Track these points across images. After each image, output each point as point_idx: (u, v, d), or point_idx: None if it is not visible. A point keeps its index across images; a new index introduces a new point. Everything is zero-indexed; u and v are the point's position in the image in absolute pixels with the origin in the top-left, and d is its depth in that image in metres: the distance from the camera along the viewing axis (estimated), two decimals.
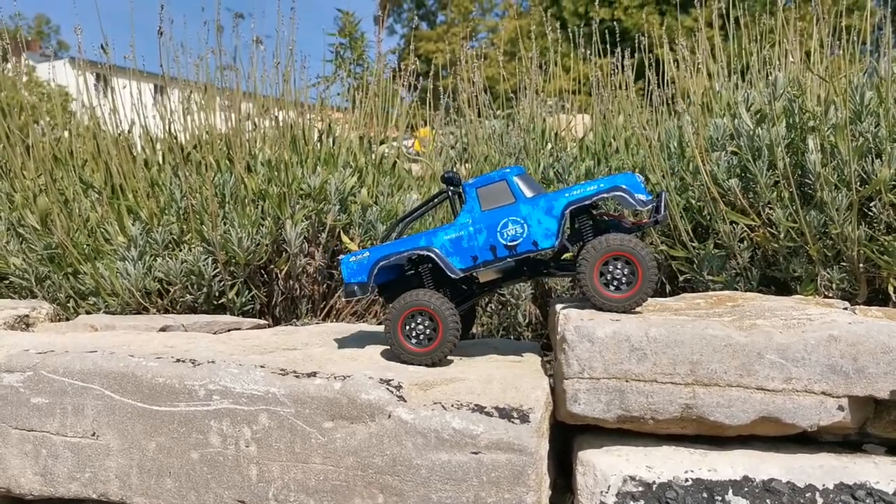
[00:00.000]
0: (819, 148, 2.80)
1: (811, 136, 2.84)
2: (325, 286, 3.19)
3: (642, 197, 1.85)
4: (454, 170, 4.00)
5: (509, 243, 1.86)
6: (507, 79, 4.62)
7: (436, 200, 2.08)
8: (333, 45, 6.26)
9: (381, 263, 1.90)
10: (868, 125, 2.72)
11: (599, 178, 2.10)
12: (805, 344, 1.70)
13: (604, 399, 1.74)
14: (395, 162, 3.30)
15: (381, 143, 3.38)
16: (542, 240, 1.85)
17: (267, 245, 2.81)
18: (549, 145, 3.93)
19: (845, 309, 2.23)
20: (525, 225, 1.85)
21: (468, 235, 1.87)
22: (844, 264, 2.77)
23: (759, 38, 3.38)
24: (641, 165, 3.43)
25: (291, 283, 2.93)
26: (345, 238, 3.11)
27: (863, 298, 2.76)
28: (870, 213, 2.73)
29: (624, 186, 1.84)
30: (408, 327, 1.89)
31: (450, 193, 1.97)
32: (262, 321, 2.63)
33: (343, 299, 1.91)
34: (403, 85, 4.16)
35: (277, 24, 3.33)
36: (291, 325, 2.87)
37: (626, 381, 1.73)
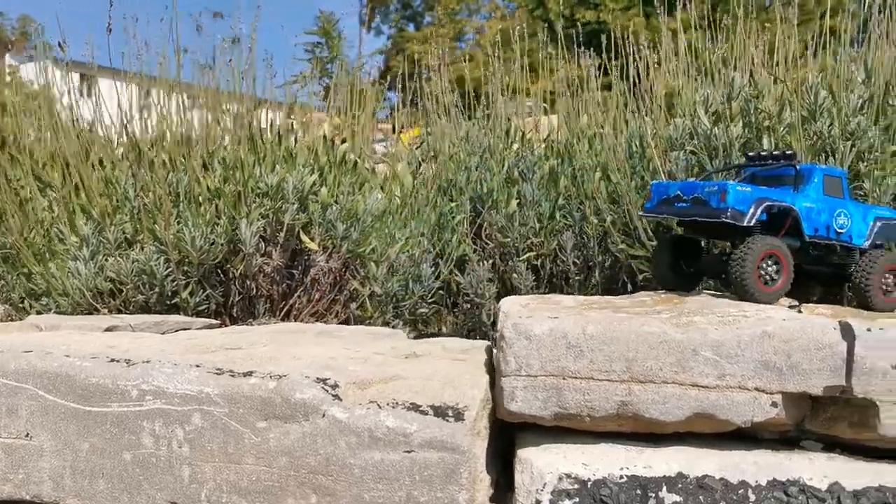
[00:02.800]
0: (775, 147, 2.82)
1: (766, 135, 2.86)
2: (284, 285, 3.18)
3: None
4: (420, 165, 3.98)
5: (839, 229, 2.17)
6: (491, 79, 4.62)
7: (768, 164, 2.27)
8: (309, 45, 6.23)
9: (765, 203, 2.06)
10: (822, 124, 2.74)
11: (889, 207, 2.50)
12: (739, 340, 1.71)
13: (541, 397, 1.73)
14: (356, 161, 3.28)
15: (343, 142, 3.37)
16: (855, 237, 2.20)
17: (222, 244, 2.80)
18: (515, 145, 3.94)
19: (792, 307, 2.25)
20: (850, 220, 2.19)
21: (817, 210, 2.14)
22: None
23: (720, 36, 3.38)
24: (604, 164, 3.44)
25: (248, 282, 2.91)
26: (304, 237, 3.09)
27: (817, 296, 2.77)
28: None
29: None
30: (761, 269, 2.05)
31: (792, 167, 2.20)
32: (213, 321, 2.61)
33: (726, 219, 2.04)
34: (377, 83, 4.16)
35: (251, 26, 3.32)
36: (246, 324, 2.85)
37: (563, 379, 1.73)
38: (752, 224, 2.02)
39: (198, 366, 1.78)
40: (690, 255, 2.34)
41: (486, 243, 3.67)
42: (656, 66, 3.57)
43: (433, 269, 3.36)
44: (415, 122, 4.55)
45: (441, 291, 3.51)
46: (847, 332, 1.71)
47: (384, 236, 3.16)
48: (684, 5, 3.52)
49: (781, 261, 2.05)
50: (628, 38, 3.58)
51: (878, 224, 2.24)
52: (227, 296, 2.99)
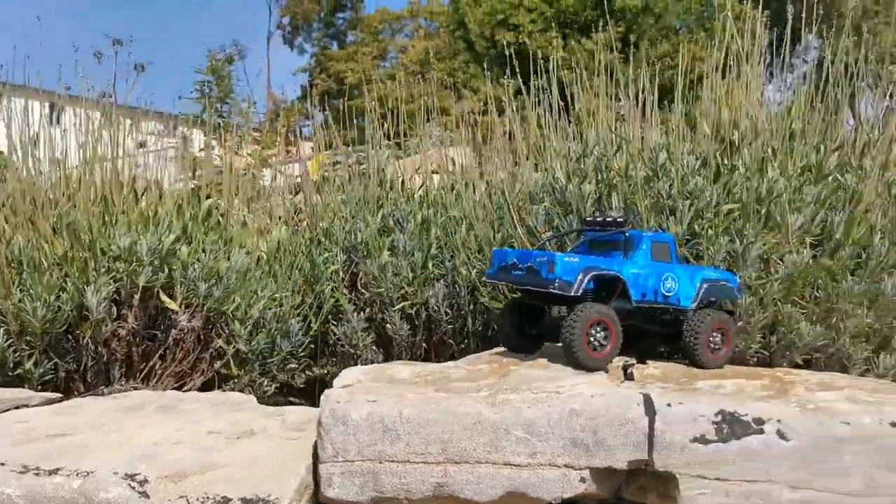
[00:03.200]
0: (622, 204, 2.94)
1: (615, 192, 2.98)
2: (144, 346, 3.10)
3: (735, 294, 2.46)
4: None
5: (666, 293, 2.27)
6: (413, 101, 4.61)
7: (600, 232, 2.40)
8: (198, 83, 6.13)
9: (591, 272, 2.14)
10: (663, 184, 2.88)
11: (716, 268, 2.59)
12: (549, 418, 1.77)
13: (357, 482, 1.75)
14: (220, 219, 3.24)
15: (208, 197, 3.33)
16: (683, 299, 2.31)
17: (69, 311, 2.71)
18: (391, 193, 3.97)
19: (627, 366, 2.34)
20: (678, 283, 2.29)
21: (644, 275, 2.24)
22: None
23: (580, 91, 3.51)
24: (471, 215, 3.51)
25: (99, 348, 2.83)
26: (164, 297, 3.03)
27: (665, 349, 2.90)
28: None
29: (731, 281, 2.43)
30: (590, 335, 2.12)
31: (622, 233, 2.32)
32: (54, 395, 2.52)
33: (554, 290, 2.10)
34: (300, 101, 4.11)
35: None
36: (96, 394, 2.77)
37: (380, 463, 1.75)
38: (578, 294, 2.10)
39: (3, 464, 1.72)
40: (534, 317, 2.41)
41: (363, 293, 3.68)
42: (522, 120, 3.67)
43: (304, 322, 3.35)
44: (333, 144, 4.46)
45: (312, 345, 3.50)
46: (649, 408, 1.80)
47: (248, 293, 3.13)
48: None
49: (609, 327, 2.14)
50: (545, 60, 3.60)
51: (705, 285, 2.36)
52: (80, 362, 2.90)
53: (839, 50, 3.14)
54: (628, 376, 2.27)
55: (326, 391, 1.86)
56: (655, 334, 2.49)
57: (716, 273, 2.44)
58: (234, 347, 3.09)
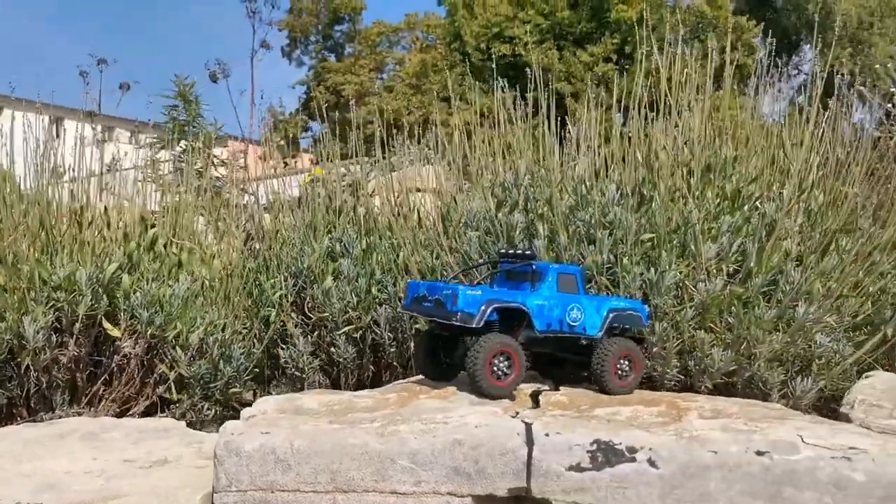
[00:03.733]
0: (546, 234, 3.05)
1: (540, 222, 3.09)
2: (88, 372, 3.20)
3: (644, 322, 2.57)
4: None
5: (571, 323, 2.38)
6: (411, 112, 4.68)
7: (509, 264, 2.51)
8: (166, 108, 6.24)
9: (493, 304, 2.23)
10: (586, 214, 2.98)
11: (625, 297, 2.73)
12: (433, 448, 1.87)
13: None
14: (164, 247, 3.35)
15: (153, 226, 3.43)
16: (589, 328, 2.42)
17: (8, 339, 2.81)
18: (341, 218, 4.07)
19: (535, 394, 2.44)
20: (583, 313, 2.40)
21: (549, 306, 2.34)
22: None
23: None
24: (413, 240, 3.62)
25: (40, 376, 2.92)
26: (107, 325, 3.13)
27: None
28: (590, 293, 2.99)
29: (639, 310, 2.54)
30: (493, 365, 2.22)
31: (530, 265, 2.43)
32: None
33: (456, 323, 2.22)
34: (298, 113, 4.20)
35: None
36: (35, 420, 2.86)
37: (272, 492, 1.84)
38: (480, 325, 2.21)
39: None
40: (448, 347, 2.51)
41: (311, 317, 3.77)
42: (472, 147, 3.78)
43: (248, 346, 3.45)
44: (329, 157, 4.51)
45: (259, 369, 3.59)
46: (528, 438, 1.90)
47: (189, 320, 3.23)
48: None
49: (513, 357, 2.25)
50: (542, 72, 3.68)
51: (612, 315, 2.47)
52: (23, 388, 2.99)
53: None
54: (536, 404, 2.38)
55: (225, 423, 1.96)
56: (569, 361, 2.60)
57: (624, 303, 2.55)
58: (176, 373, 3.19)
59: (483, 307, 2.22)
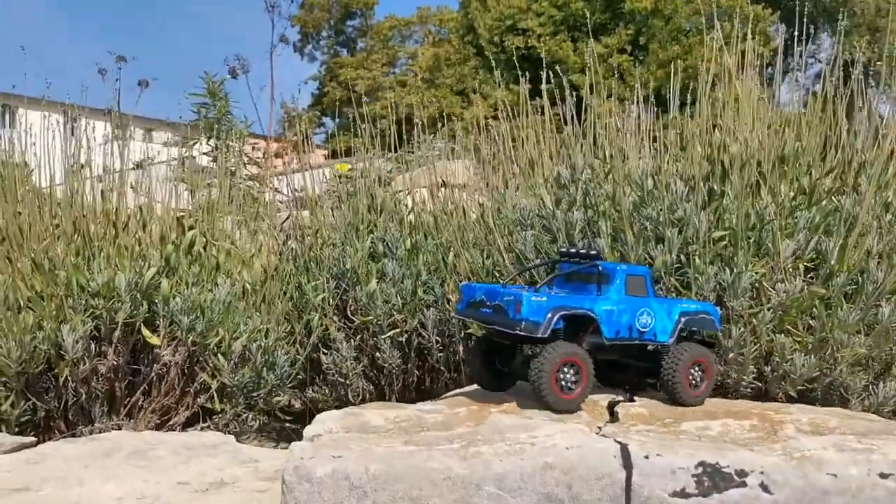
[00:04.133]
0: (609, 232, 2.87)
1: (602, 220, 2.91)
2: (127, 381, 3.06)
3: (716, 325, 2.38)
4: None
5: (641, 329, 2.19)
6: (426, 107, 4.55)
7: (573, 266, 2.33)
8: (195, 105, 6.11)
9: (559, 313, 2.05)
10: (652, 211, 2.80)
11: (698, 300, 2.52)
12: (522, 473, 1.70)
13: None
14: (202, 249, 3.20)
15: (190, 228, 3.28)
16: (660, 334, 2.23)
17: (46, 349, 2.67)
18: (382, 216, 3.91)
19: (613, 404, 2.27)
20: (654, 318, 2.21)
21: (618, 312, 2.15)
22: None
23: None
24: (459, 241, 3.45)
25: (78, 387, 2.78)
26: (146, 332, 2.99)
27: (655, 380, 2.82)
28: (658, 296, 2.80)
29: (712, 313, 2.36)
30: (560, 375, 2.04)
31: (596, 266, 2.25)
32: (27, 440, 2.48)
33: (521, 332, 2.04)
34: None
35: None
36: (74, 434, 2.73)
37: None
38: (546, 335, 2.01)
39: None
40: (505, 355, 2.32)
41: (353, 320, 3.62)
42: (513, 140, 3.61)
43: (292, 351, 3.30)
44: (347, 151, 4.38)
45: (301, 375, 3.44)
46: (626, 460, 1.73)
47: (232, 326, 3.08)
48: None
49: (580, 367, 2.06)
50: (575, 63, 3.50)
51: (684, 319, 2.28)
52: (60, 401, 2.85)
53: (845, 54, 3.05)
54: (613, 417, 2.21)
55: (292, 445, 1.80)
56: (636, 369, 2.41)
57: (695, 305, 2.36)
58: (218, 381, 3.05)
59: (549, 315, 2.03)
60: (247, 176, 5.35)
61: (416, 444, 1.80)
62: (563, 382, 2.02)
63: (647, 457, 1.72)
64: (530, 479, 1.69)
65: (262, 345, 3.13)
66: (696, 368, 2.25)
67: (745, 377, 2.64)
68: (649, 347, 2.34)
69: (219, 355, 3.03)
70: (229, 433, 3.04)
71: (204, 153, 5.44)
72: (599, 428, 2.00)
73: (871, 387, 2.72)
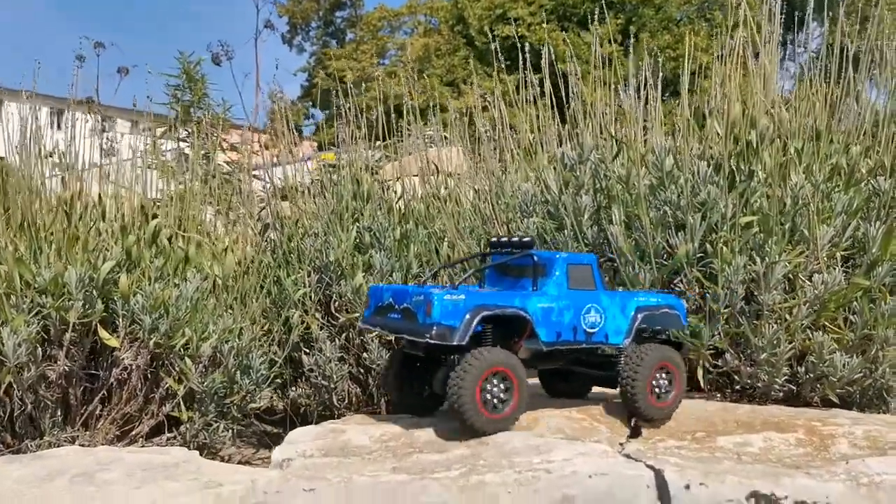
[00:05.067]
0: (622, 219, 2.56)
1: (615, 204, 2.60)
2: (81, 389, 2.73)
3: (683, 322, 2.03)
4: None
5: (589, 329, 1.83)
6: (415, 96, 4.27)
7: (504, 258, 1.95)
8: (170, 88, 5.75)
9: (481, 314, 1.67)
10: (671, 194, 2.49)
11: (656, 292, 2.19)
12: None
13: None
14: (168, 241, 2.86)
15: (155, 216, 2.95)
16: (612, 335, 1.87)
17: None
18: (369, 205, 3.59)
19: (632, 437, 1.96)
20: (604, 316, 1.85)
21: (557, 310, 1.79)
22: None
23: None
24: (453, 230, 3.13)
25: (23, 395, 2.45)
26: (103, 333, 2.66)
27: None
28: (676, 290, 2.50)
29: (676, 307, 2.01)
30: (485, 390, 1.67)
31: (530, 257, 1.86)
32: None
33: (431, 340, 1.63)
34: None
35: None
36: (19, 449, 2.40)
37: None
38: (464, 342, 1.63)
39: None
40: (428, 370, 1.90)
41: (338, 317, 3.30)
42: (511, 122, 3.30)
43: (269, 353, 2.97)
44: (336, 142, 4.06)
45: (283, 375, 3.12)
46: (663, 492, 1.42)
47: (201, 326, 2.75)
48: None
49: (512, 380, 1.68)
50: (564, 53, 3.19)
51: (641, 316, 1.92)
52: (6, 411, 2.52)
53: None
54: (634, 431, 1.90)
55: (255, 476, 1.49)
56: (593, 378, 2.05)
57: (655, 298, 1.99)
58: (185, 387, 2.72)
59: (468, 316, 1.65)
60: (225, 162, 5.01)
61: (406, 471, 1.49)
62: (490, 399, 1.65)
63: (688, 486, 1.42)
64: None
65: (235, 346, 2.81)
66: (662, 375, 1.89)
67: (777, 380, 2.34)
68: (602, 351, 1.98)
69: (186, 358, 2.70)
70: (198, 444, 2.73)
71: (179, 139, 5.10)
72: (622, 445, 1.70)
73: None
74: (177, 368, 2.75)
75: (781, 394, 2.40)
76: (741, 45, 2.78)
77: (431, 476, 1.46)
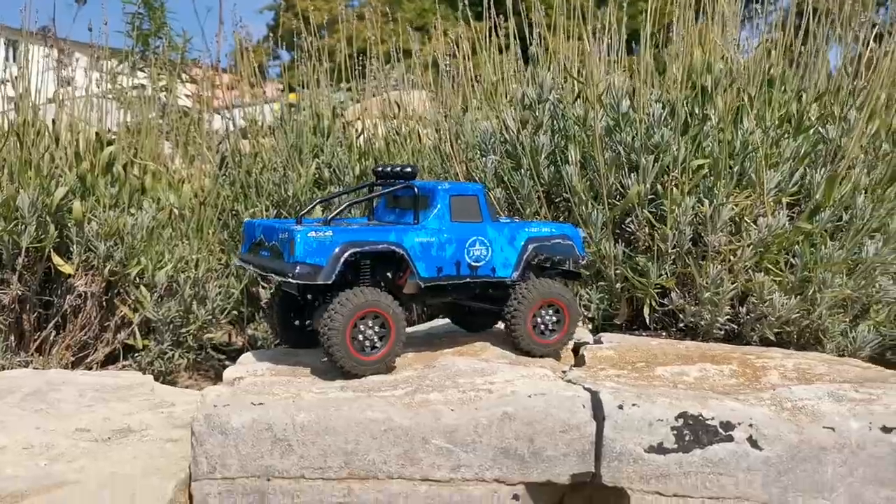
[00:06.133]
0: (578, 159, 2.60)
1: (571, 145, 2.63)
2: (35, 315, 2.72)
3: (579, 252, 1.96)
4: None
5: (473, 263, 1.77)
6: (383, 41, 4.19)
7: (379, 191, 1.88)
8: (129, 16, 5.57)
9: (349, 251, 1.59)
10: (626, 136, 2.53)
11: (550, 221, 2.21)
12: (476, 424, 1.45)
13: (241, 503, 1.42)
14: (122, 169, 2.83)
15: (109, 143, 2.90)
16: (500, 268, 1.81)
17: None
18: (330, 138, 3.57)
19: (579, 347, 2.04)
20: (490, 248, 1.79)
21: (438, 244, 1.72)
22: (603, 284, 2.60)
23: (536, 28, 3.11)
24: (418, 163, 3.14)
25: None
26: (57, 259, 2.64)
27: (622, 319, 2.60)
28: (627, 230, 2.56)
29: (570, 237, 1.93)
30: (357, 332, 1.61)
31: (411, 188, 1.78)
32: None
33: (293, 280, 1.56)
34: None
35: None
36: None
37: (269, 480, 1.42)
38: (330, 281, 1.58)
39: None
40: (311, 307, 1.86)
41: None
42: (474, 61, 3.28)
43: (226, 285, 2.99)
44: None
45: (241, 309, 3.14)
46: (597, 411, 1.49)
47: (155, 255, 2.75)
48: None
49: (387, 320, 1.63)
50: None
51: (532, 246, 1.85)
52: None
53: None
54: (579, 360, 1.97)
55: (205, 390, 1.52)
56: (491, 314, 1.99)
57: (548, 228, 1.92)
58: (141, 316, 2.73)
59: (336, 253, 1.58)
60: (185, 95, 4.91)
61: (354, 389, 1.54)
62: (362, 340, 1.61)
63: (621, 406, 1.49)
64: (486, 431, 1.44)
65: (192, 276, 2.82)
66: (549, 311, 1.85)
67: (719, 318, 2.43)
68: (499, 283, 1.87)
69: (141, 287, 2.71)
70: (153, 372, 2.75)
71: (137, 68, 4.96)
72: (564, 372, 1.76)
73: (848, 331, 2.54)
74: (132, 297, 2.76)
75: (723, 332, 2.49)
76: None
77: (378, 394, 1.51)
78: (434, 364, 1.70)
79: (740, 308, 2.50)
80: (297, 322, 1.88)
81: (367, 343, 1.61)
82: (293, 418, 1.42)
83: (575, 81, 2.76)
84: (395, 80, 4.24)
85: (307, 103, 3.61)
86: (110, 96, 3.59)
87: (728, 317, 2.46)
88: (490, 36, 3.11)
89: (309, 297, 1.81)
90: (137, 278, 2.73)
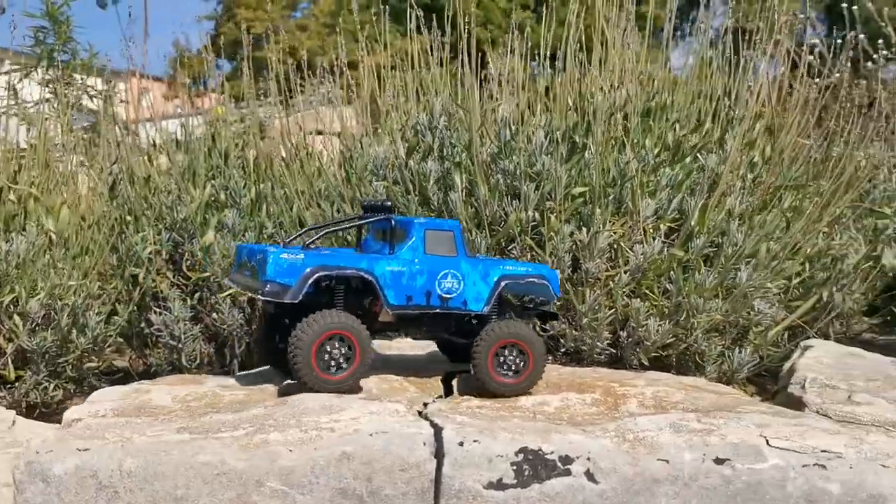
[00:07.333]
0: (464, 186, 2.62)
1: (457, 171, 2.65)
2: None
3: (554, 292, 2.01)
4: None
5: (444, 294, 1.84)
6: (326, 52, 4.13)
7: (355, 222, 2.03)
8: (33, 29, 5.37)
9: (317, 274, 1.71)
10: (510, 163, 2.56)
11: (528, 262, 2.25)
12: (314, 465, 1.43)
13: None
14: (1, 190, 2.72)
15: None
16: (472, 301, 1.88)
17: None
18: (228, 161, 3.50)
19: (449, 377, 2.04)
20: (462, 282, 1.86)
21: (409, 274, 1.81)
22: None
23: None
24: (311, 189, 3.12)
25: None
26: None
27: None
28: (511, 256, 2.59)
29: (547, 277, 1.98)
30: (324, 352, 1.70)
31: (390, 221, 1.89)
32: None
33: (262, 297, 1.70)
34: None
35: None
36: None
37: None
38: (297, 301, 1.68)
39: None
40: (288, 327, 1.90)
41: (190, 277, 3.23)
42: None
43: (110, 312, 2.89)
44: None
45: (121, 339, 3.05)
46: (439, 448, 1.49)
47: (29, 283, 2.65)
48: None
49: (353, 343, 1.71)
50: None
51: (504, 283, 1.91)
52: None
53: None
54: (446, 391, 1.98)
55: (31, 439, 1.46)
56: (454, 346, 2.06)
57: (524, 267, 1.99)
58: (15, 346, 2.62)
59: (307, 272, 1.69)
60: (88, 111, 4.76)
61: (191, 431, 1.50)
62: (328, 359, 1.70)
63: (461, 443, 1.49)
64: (323, 472, 1.43)
65: (73, 303, 2.72)
66: (512, 351, 1.86)
67: (598, 343, 2.48)
68: (472, 320, 1.95)
69: (15, 316, 2.60)
70: (29, 404, 2.64)
71: (41, 83, 4.80)
72: (426, 405, 1.76)
73: (726, 353, 2.62)
74: (6, 327, 2.65)
75: (604, 357, 2.54)
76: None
77: (215, 436, 1.47)
78: (287, 401, 1.68)
79: (621, 332, 2.55)
80: (280, 345, 1.91)
81: (333, 363, 1.70)
82: (120, 464, 1.38)
83: (461, 109, 2.78)
84: (322, 95, 4.20)
85: (234, 117, 3.56)
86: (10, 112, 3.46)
87: (608, 342, 2.51)
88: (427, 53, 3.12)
89: (286, 321, 1.88)
90: (11, 307, 2.63)
